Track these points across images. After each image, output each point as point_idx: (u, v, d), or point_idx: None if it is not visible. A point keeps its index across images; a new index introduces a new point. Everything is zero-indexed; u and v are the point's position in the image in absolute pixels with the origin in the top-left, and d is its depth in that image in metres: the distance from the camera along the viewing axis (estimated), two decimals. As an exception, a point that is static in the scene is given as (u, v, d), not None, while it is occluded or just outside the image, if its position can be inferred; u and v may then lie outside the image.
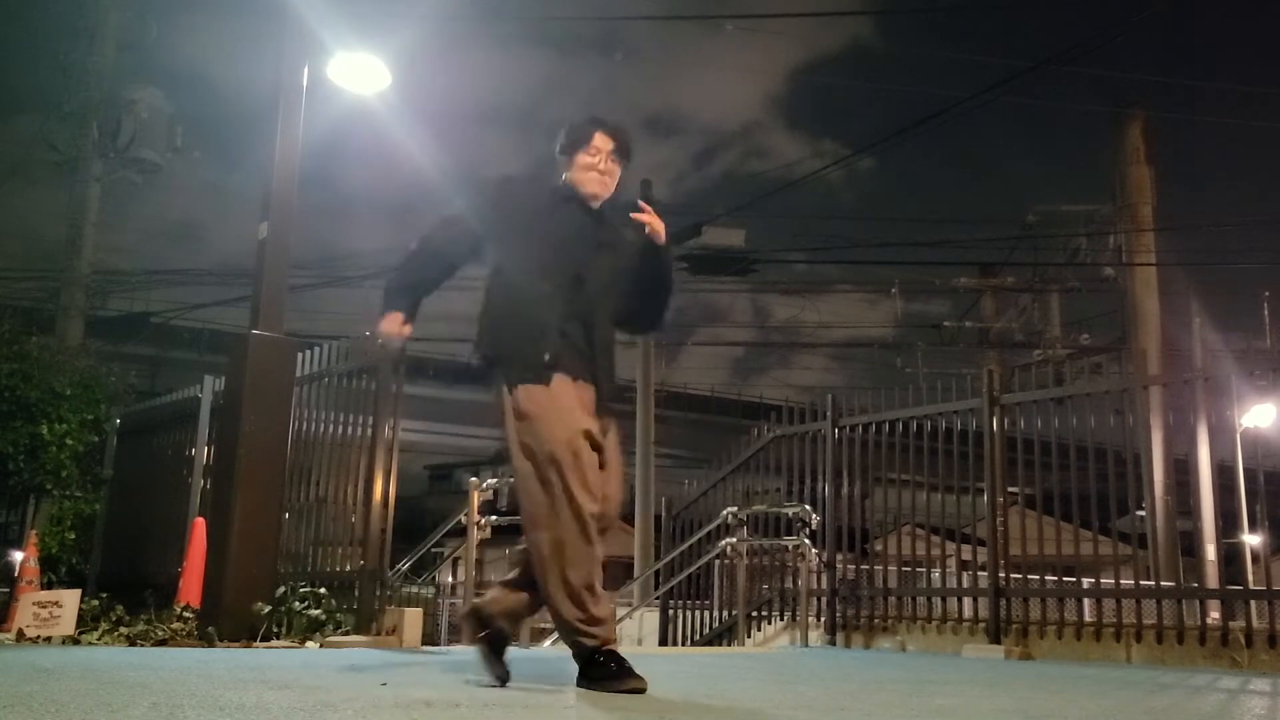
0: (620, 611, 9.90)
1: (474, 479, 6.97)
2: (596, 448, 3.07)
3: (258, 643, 5.25)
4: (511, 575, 3.16)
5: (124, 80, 13.83)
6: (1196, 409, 6.52)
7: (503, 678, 3.02)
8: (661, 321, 3.44)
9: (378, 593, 6.01)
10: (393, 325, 3.18)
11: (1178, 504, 14.74)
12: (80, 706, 2.28)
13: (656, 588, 9.80)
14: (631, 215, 3.12)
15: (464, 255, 3.29)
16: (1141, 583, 6.34)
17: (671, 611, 9.14)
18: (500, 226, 3.23)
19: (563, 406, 3.03)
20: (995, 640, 6.56)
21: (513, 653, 3.18)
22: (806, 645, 7.31)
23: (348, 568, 6.27)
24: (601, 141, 3.23)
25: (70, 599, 5.40)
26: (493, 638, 3.08)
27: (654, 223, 3.11)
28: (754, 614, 8.16)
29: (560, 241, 3.20)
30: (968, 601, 7.05)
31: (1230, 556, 7.27)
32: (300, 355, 6.51)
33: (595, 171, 3.23)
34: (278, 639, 5.39)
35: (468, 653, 3.21)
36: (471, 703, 2.62)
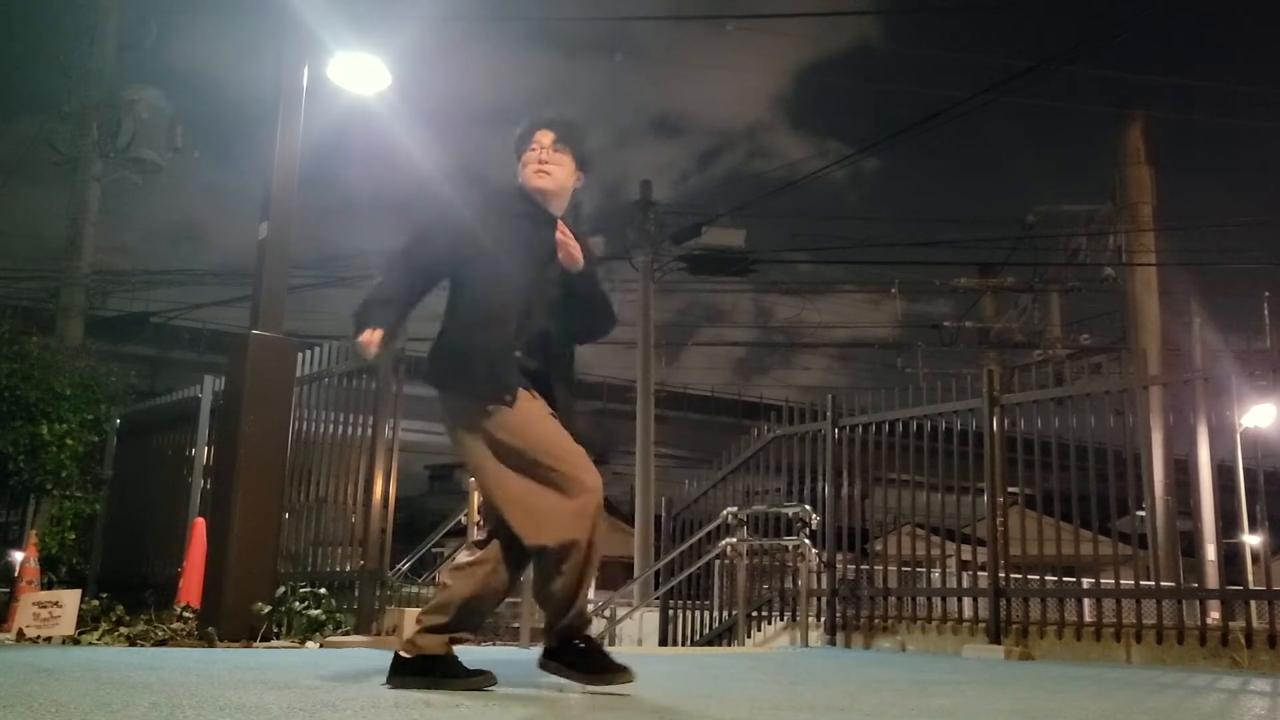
0: (620, 611, 9.91)
1: (474, 479, 6.96)
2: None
3: (258, 643, 5.25)
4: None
5: (124, 80, 13.86)
6: (1196, 409, 6.52)
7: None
8: (602, 334, 3.41)
9: (378, 593, 6.02)
10: (372, 341, 3.07)
11: (1178, 504, 14.75)
12: (80, 706, 2.28)
13: (656, 588, 9.79)
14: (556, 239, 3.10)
15: (444, 270, 3.26)
16: (1141, 583, 6.33)
17: (671, 611, 9.14)
18: (471, 239, 3.22)
19: (541, 415, 3.06)
20: (995, 640, 6.56)
21: (513, 653, 3.18)
22: (806, 645, 7.30)
23: (348, 568, 6.28)
24: (542, 136, 3.28)
25: (70, 599, 5.39)
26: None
27: (568, 248, 3.10)
28: (754, 614, 8.16)
29: (518, 258, 3.19)
30: (968, 601, 7.04)
31: (1230, 556, 7.27)
32: (300, 355, 6.52)
33: (535, 164, 3.24)
34: (278, 639, 5.39)
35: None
36: (471, 703, 2.62)
